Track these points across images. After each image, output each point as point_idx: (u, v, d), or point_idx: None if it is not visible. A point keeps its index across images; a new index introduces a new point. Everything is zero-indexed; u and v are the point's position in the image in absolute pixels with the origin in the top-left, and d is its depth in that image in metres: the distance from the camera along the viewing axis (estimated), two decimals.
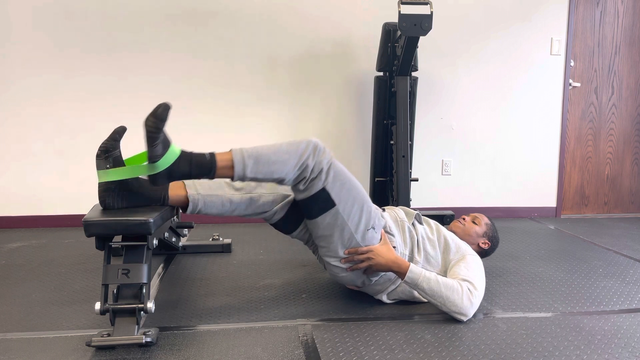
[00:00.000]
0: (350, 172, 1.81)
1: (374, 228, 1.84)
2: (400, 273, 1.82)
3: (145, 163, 1.60)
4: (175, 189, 1.79)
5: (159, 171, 1.59)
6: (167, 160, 1.59)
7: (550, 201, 3.82)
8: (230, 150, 1.68)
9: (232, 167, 1.66)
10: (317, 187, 1.72)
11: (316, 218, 1.79)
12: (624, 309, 1.99)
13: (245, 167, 1.65)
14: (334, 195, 1.74)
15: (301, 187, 1.74)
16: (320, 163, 1.70)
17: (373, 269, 1.86)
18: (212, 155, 1.66)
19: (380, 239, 1.86)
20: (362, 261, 1.83)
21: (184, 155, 1.63)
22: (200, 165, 1.64)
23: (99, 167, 1.64)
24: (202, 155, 1.66)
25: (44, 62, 3.22)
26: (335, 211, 1.76)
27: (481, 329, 1.78)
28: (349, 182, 1.77)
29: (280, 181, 1.72)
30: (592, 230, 3.40)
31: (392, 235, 1.92)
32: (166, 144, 1.59)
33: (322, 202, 1.74)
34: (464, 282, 1.81)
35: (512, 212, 3.77)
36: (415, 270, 1.81)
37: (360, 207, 1.79)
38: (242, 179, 1.68)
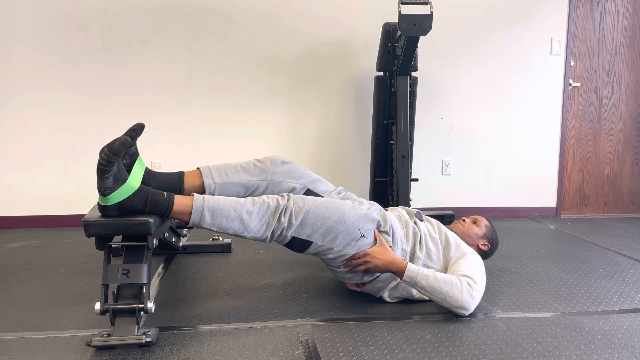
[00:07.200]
0: (317, 200, 1.82)
1: (363, 236, 1.85)
2: (399, 273, 1.83)
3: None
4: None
5: (109, 204, 1.59)
6: (119, 194, 1.58)
7: (550, 201, 3.82)
8: (192, 195, 1.71)
9: (189, 213, 1.68)
10: (287, 238, 1.79)
11: (301, 252, 1.86)
12: (624, 309, 1.99)
13: (202, 217, 1.69)
14: (305, 237, 1.79)
15: (273, 240, 1.80)
16: (282, 223, 1.74)
17: (371, 271, 1.88)
18: (170, 196, 1.67)
19: (376, 240, 1.87)
20: (361, 264, 1.86)
21: (141, 191, 1.63)
22: (155, 204, 1.64)
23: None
24: (160, 194, 1.66)
25: (44, 62, 3.22)
26: (314, 246, 1.82)
27: (481, 329, 1.78)
28: (318, 218, 1.78)
29: (237, 236, 1.77)
30: (592, 230, 3.40)
31: (388, 234, 1.92)
32: (119, 177, 1.58)
33: (297, 244, 1.82)
34: (463, 277, 1.82)
35: (512, 212, 3.77)
36: (413, 268, 1.82)
37: (339, 230, 1.81)
38: (197, 227, 1.73)
